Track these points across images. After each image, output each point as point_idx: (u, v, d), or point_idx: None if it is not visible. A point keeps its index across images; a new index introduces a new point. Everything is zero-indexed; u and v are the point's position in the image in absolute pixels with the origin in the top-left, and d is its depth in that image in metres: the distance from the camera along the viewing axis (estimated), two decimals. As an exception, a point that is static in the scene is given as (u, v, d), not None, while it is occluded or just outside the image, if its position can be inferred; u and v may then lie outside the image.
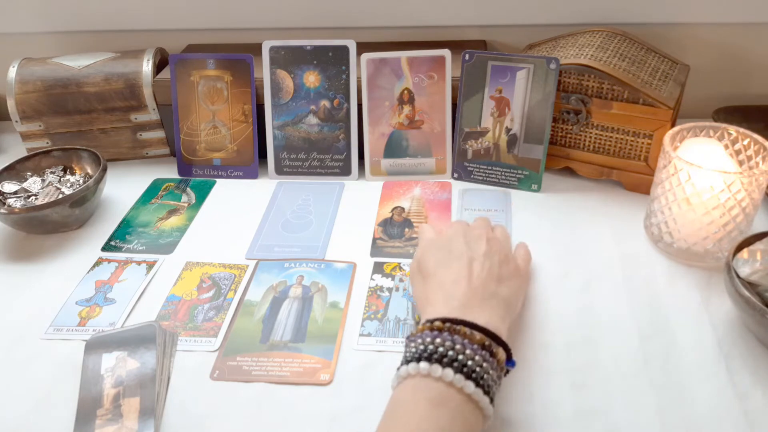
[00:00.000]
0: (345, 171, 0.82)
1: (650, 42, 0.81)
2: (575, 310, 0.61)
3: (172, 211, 0.78)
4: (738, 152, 0.65)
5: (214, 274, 0.68)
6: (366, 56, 0.78)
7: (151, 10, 0.91)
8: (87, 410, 0.53)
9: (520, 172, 0.78)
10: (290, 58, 0.80)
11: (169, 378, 0.56)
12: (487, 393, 0.43)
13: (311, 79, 0.80)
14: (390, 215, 0.75)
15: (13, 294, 0.66)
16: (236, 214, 0.77)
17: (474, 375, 0.43)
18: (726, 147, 0.65)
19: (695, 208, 0.62)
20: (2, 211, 0.70)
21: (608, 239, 0.69)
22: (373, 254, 0.69)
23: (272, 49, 0.80)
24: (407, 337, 0.48)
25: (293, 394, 0.54)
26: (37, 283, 0.68)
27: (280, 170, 0.83)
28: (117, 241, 0.74)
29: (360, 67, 0.78)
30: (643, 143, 0.73)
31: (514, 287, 0.54)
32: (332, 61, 0.79)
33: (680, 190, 0.62)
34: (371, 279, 0.66)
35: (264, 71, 0.80)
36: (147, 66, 0.84)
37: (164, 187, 0.83)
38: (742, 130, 0.65)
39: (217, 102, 0.82)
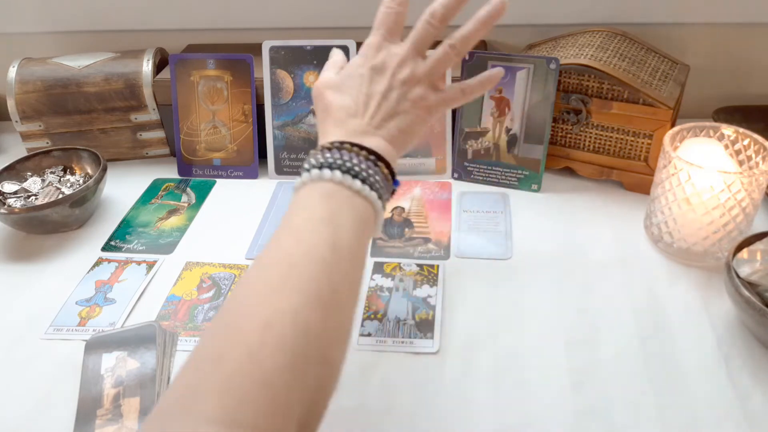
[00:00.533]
0: (345, 171, 0.82)
1: (650, 42, 0.81)
2: (575, 310, 0.61)
3: (172, 211, 0.78)
4: (738, 152, 0.65)
5: (214, 274, 0.68)
6: (366, 56, 0.78)
7: (151, 10, 0.91)
8: (87, 410, 0.53)
9: (520, 172, 0.78)
10: (290, 58, 0.80)
11: (169, 378, 0.56)
12: (375, 190, 0.47)
13: (311, 79, 0.80)
14: (390, 215, 0.75)
15: (13, 294, 0.66)
16: (236, 214, 0.77)
17: (360, 176, 0.46)
18: (726, 147, 0.65)
19: (695, 208, 0.62)
20: (2, 211, 0.70)
21: (608, 239, 0.69)
22: (373, 254, 0.69)
23: (272, 49, 0.80)
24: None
25: (293, 394, 0.54)
26: (37, 283, 0.68)
27: (280, 170, 0.83)
28: (117, 241, 0.74)
29: (360, 67, 0.78)
30: (643, 143, 0.73)
31: (408, 121, 0.53)
32: (332, 61, 0.79)
33: (680, 190, 0.62)
34: (371, 279, 0.66)
35: (264, 71, 0.80)
36: (147, 66, 0.84)
37: (164, 187, 0.83)
38: (742, 130, 0.65)
39: (217, 102, 0.82)
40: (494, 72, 0.56)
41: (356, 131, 0.50)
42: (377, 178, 0.47)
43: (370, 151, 0.48)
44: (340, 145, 0.48)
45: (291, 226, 0.44)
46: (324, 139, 0.51)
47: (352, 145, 0.48)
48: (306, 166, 0.47)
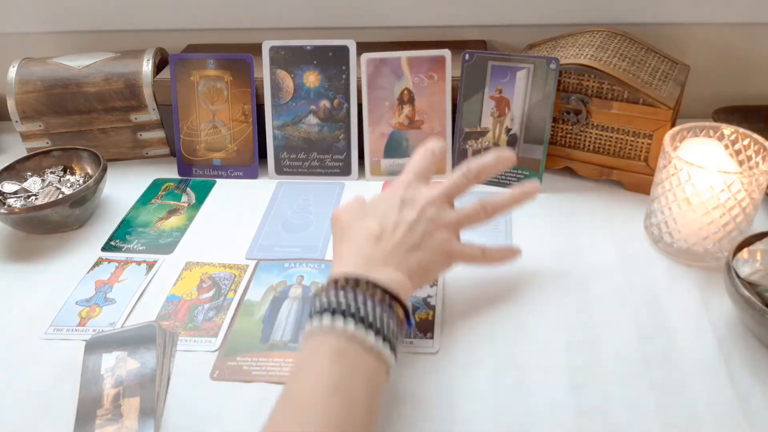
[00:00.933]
0: (345, 171, 0.82)
1: (650, 42, 0.81)
2: (575, 310, 0.61)
3: (172, 211, 0.78)
4: (738, 152, 0.65)
5: (214, 274, 0.68)
6: (366, 56, 0.78)
7: (151, 10, 0.91)
8: (87, 410, 0.53)
9: (520, 172, 0.78)
10: (290, 58, 0.80)
11: (169, 378, 0.56)
12: (387, 342, 0.45)
13: (311, 79, 0.80)
14: (390, 215, 0.75)
15: (13, 294, 0.66)
16: (236, 214, 0.77)
17: (374, 326, 0.44)
18: (726, 147, 0.65)
19: (695, 208, 0.62)
20: (2, 211, 0.70)
21: (608, 239, 0.69)
22: (373, 254, 0.69)
23: (272, 49, 0.80)
24: (313, 294, 0.48)
25: (293, 394, 0.54)
26: (37, 283, 0.68)
27: (280, 170, 0.83)
28: (117, 241, 0.74)
29: (360, 67, 0.78)
30: (643, 143, 0.73)
31: (429, 259, 0.52)
32: (332, 61, 0.79)
33: (680, 190, 0.62)
34: (371, 279, 0.66)
35: (264, 71, 0.80)
36: (147, 66, 0.84)
37: (164, 187, 0.83)
38: (742, 130, 0.65)
39: (217, 102, 0.82)
40: (514, 249, 0.60)
41: (376, 260, 0.49)
42: (392, 326, 0.45)
43: (385, 291, 0.46)
44: (356, 284, 0.46)
45: (301, 396, 0.42)
46: (338, 267, 0.49)
47: (368, 283, 0.46)
48: (317, 305, 0.45)
